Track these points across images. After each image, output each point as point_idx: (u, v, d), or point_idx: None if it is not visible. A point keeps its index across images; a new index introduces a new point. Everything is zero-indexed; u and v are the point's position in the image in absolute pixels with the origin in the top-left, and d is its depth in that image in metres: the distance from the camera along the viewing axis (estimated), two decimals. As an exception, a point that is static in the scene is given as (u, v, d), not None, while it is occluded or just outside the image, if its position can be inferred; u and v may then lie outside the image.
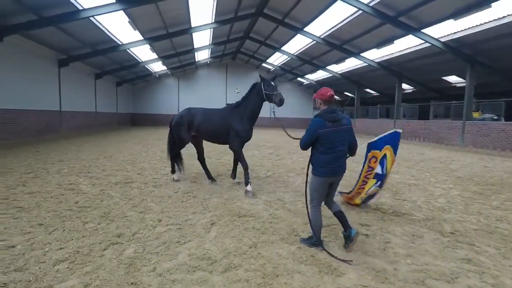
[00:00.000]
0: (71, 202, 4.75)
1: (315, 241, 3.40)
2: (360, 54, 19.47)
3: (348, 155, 3.48)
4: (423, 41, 15.02)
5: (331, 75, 26.04)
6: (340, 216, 3.44)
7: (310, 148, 3.41)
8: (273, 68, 30.60)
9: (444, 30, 14.18)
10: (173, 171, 6.66)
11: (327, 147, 3.23)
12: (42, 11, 10.93)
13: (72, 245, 3.24)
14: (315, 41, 19.31)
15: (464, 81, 19.33)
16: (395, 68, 20.15)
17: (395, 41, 16.19)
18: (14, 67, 12.33)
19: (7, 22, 10.78)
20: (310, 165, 3.47)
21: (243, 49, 27.54)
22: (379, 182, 4.64)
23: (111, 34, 15.20)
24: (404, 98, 24.83)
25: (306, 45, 21.13)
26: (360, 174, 4.82)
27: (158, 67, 25.53)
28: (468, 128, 15.24)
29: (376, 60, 19.90)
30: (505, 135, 13.39)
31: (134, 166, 8.08)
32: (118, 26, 14.74)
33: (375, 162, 4.64)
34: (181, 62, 26.32)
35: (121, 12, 12.28)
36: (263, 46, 23.85)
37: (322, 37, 18.63)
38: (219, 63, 32.42)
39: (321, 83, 30.33)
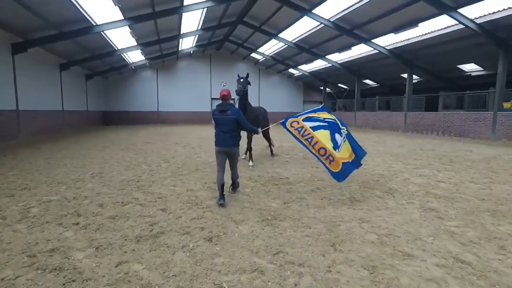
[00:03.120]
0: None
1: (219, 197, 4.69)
2: (372, 40, 17.52)
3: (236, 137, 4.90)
4: (456, 23, 13.26)
5: (329, 65, 23.95)
6: (232, 180, 5.17)
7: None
8: (263, 58, 28.04)
9: (481, 10, 12.50)
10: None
11: (216, 127, 4.82)
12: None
13: None
14: (322, 25, 17.03)
15: (481, 69, 18.14)
16: (407, 56, 18.43)
17: (420, 24, 14.32)
18: None
19: None
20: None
21: (232, 37, 24.67)
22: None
23: (83, 10, 11.90)
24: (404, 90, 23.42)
25: (310, 30, 18.79)
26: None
27: (135, 56, 22.03)
28: (500, 119, 13.78)
29: (388, 47, 18.07)
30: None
31: (146, 193, 5.32)
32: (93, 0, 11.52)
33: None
34: (162, 51, 22.98)
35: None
36: (257, 32, 21.19)
37: (332, 20, 16.39)
38: (202, 54, 29.29)
39: (315, 74, 28.28)
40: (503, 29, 12.98)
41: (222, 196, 4.61)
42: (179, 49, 23.76)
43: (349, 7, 14.87)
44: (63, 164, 7.87)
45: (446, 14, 12.54)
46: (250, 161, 8.02)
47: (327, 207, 4.70)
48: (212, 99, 30.04)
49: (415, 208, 4.68)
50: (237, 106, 6.71)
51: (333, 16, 16.16)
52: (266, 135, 9.38)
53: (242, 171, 7.12)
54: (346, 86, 29.63)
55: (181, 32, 18.86)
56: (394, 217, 4.25)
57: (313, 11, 15.84)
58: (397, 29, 15.44)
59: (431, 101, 20.72)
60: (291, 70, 29.92)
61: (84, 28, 13.19)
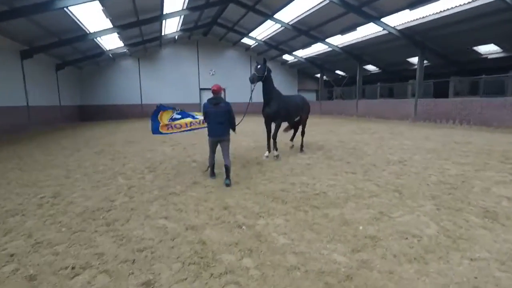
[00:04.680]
0: None
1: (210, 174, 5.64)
2: (381, 20, 15.59)
3: (228, 126, 5.36)
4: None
5: (329, 49, 21.96)
6: (226, 169, 5.15)
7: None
8: (255, 43, 25.76)
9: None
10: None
11: (210, 119, 5.25)
12: None
13: None
14: (326, 1, 14.97)
15: (500, 50, 16.57)
16: (419, 38, 16.62)
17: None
18: None
19: None
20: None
21: (221, 19, 22.24)
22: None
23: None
24: (411, 75, 21.78)
25: (310, 8, 16.65)
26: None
27: (112, 42, 19.38)
28: (531, 105, 12.23)
29: (399, 27, 16.18)
30: None
31: (119, 239, 3.24)
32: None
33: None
34: (143, 37, 20.37)
35: None
36: (250, 12, 18.88)
37: (338, -5, 14.36)
38: (188, 41, 26.74)
39: (311, 60, 26.24)
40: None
41: (213, 173, 5.65)
42: (163, 33, 21.21)
43: (359, -21, 12.88)
44: (5, 182, 5.65)
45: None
46: (275, 150, 7.43)
47: (426, 257, 2.80)
48: (201, 89, 27.66)
49: None
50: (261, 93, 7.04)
51: (339, -9, 14.15)
52: (302, 127, 8.54)
53: (257, 182, 5.14)
54: (345, 72, 27.77)
55: (164, 13, 16.41)
56: None
57: (317, -15, 13.76)
58: (413, 5, 13.55)
59: (440, 87, 19.11)
60: (285, 57, 27.78)
61: (42, 3, 10.68)
